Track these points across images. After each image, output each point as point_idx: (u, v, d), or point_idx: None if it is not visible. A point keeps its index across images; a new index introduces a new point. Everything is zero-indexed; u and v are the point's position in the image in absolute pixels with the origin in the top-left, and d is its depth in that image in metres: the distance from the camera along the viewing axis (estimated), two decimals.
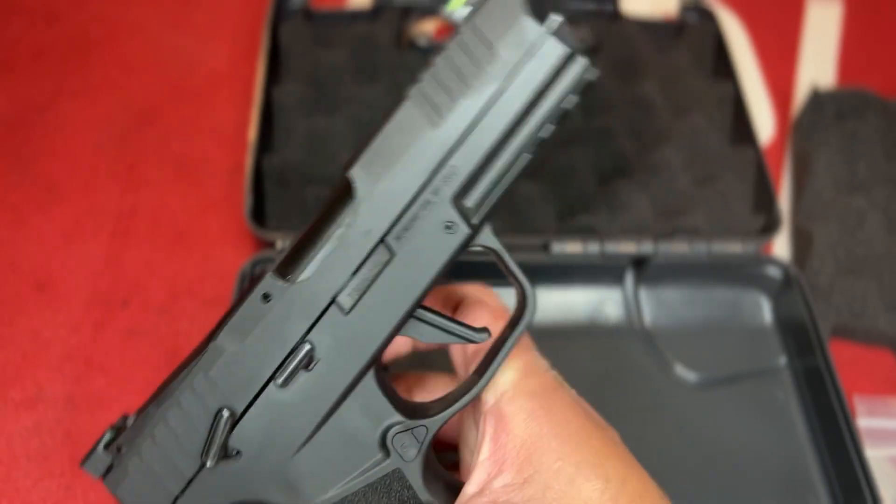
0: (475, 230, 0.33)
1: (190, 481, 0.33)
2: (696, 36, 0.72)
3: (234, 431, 0.33)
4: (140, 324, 0.57)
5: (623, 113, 0.67)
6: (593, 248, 0.59)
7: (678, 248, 0.59)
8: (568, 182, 0.63)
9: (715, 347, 0.58)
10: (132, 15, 0.75)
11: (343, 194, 0.33)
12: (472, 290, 0.39)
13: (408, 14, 0.70)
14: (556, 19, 0.32)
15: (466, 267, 0.39)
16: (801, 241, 0.63)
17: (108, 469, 0.34)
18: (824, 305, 0.59)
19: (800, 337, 0.57)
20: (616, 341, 0.58)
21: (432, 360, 0.44)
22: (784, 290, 0.59)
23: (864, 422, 0.55)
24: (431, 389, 0.40)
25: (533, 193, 0.62)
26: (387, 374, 0.43)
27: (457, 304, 0.39)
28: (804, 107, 0.71)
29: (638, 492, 0.32)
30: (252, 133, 0.62)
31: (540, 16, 0.31)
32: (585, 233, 0.60)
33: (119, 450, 0.34)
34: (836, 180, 0.66)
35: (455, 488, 0.35)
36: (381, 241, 0.33)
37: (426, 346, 0.39)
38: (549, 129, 0.33)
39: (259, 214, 0.59)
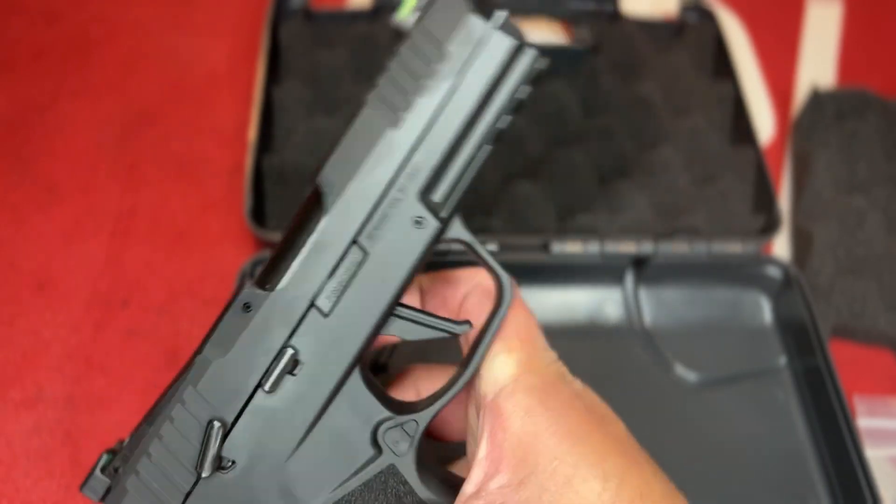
0: (444, 223, 0.34)
1: (188, 494, 0.34)
2: (696, 36, 0.72)
3: (227, 441, 0.33)
4: (140, 324, 0.57)
5: (623, 113, 0.67)
6: (593, 248, 0.59)
7: (678, 248, 0.59)
8: (568, 182, 0.63)
9: (715, 347, 0.58)
10: (132, 15, 0.75)
11: (314, 201, 0.34)
12: (485, 279, 0.38)
13: None
14: (500, 14, 0.33)
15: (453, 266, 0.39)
16: (801, 241, 0.63)
17: (107, 491, 0.34)
18: (824, 305, 0.59)
19: (800, 337, 0.57)
20: (616, 341, 0.58)
21: (434, 354, 0.43)
22: (784, 290, 0.59)
23: (864, 422, 0.55)
24: (439, 382, 0.39)
25: (533, 193, 0.62)
26: (387, 374, 0.43)
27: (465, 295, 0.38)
28: (804, 107, 0.71)
29: (638, 490, 0.31)
30: (252, 133, 0.62)
31: (485, 14, 0.32)
32: (585, 233, 0.60)
33: (116, 471, 0.34)
34: (836, 180, 0.66)
35: (455, 484, 0.34)
36: (354, 242, 0.34)
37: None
38: (506, 120, 0.34)
39: (259, 214, 0.59)
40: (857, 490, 0.49)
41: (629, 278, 0.60)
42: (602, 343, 0.58)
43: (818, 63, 0.77)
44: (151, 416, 0.35)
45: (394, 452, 0.34)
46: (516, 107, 0.34)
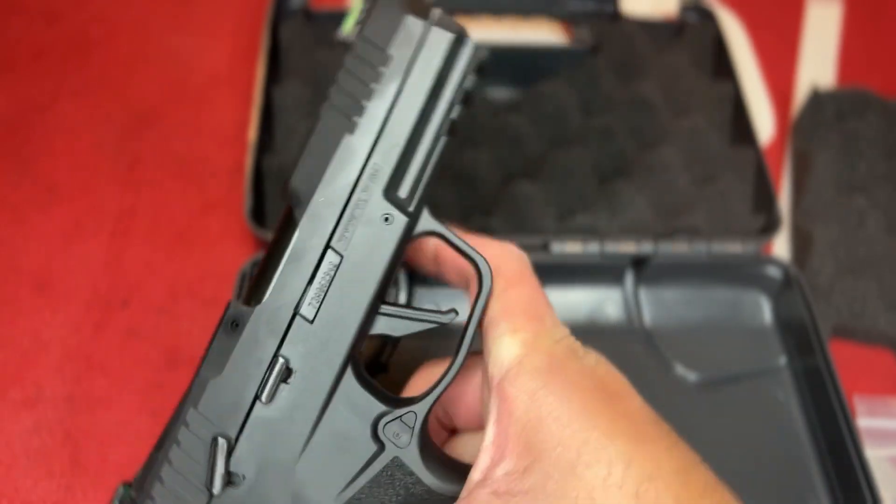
0: (413, 217, 0.35)
1: None
2: (696, 36, 0.72)
3: (234, 456, 0.34)
4: (140, 324, 0.57)
5: (623, 113, 0.67)
6: (593, 247, 0.59)
7: (678, 248, 0.59)
8: (568, 182, 0.63)
9: (715, 347, 0.58)
10: (132, 15, 0.75)
11: (288, 213, 0.35)
12: (491, 249, 0.36)
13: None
14: (436, 12, 0.34)
15: None
16: (801, 241, 0.63)
17: None
18: (824, 305, 0.59)
19: (800, 337, 0.57)
20: (616, 341, 0.58)
21: (436, 349, 0.43)
22: (784, 290, 0.59)
23: (864, 422, 0.55)
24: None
25: (533, 193, 0.62)
26: (388, 373, 0.43)
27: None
28: (804, 107, 0.71)
29: (646, 471, 0.30)
30: (252, 133, 0.62)
31: (422, 13, 0.34)
32: (585, 233, 0.60)
33: (133, 501, 0.35)
34: (836, 180, 0.66)
35: (463, 470, 0.34)
36: (328, 247, 0.34)
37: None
38: (458, 111, 0.35)
39: (259, 214, 0.59)
40: (856, 490, 0.49)
41: (629, 278, 0.60)
42: (602, 343, 0.57)
43: (818, 63, 0.77)
44: (160, 443, 0.35)
45: (396, 445, 0.34)
46: (466, 97, 0.35)
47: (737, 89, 0.68)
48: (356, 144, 0.34)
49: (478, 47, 0.35)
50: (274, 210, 0.60)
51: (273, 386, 0.34)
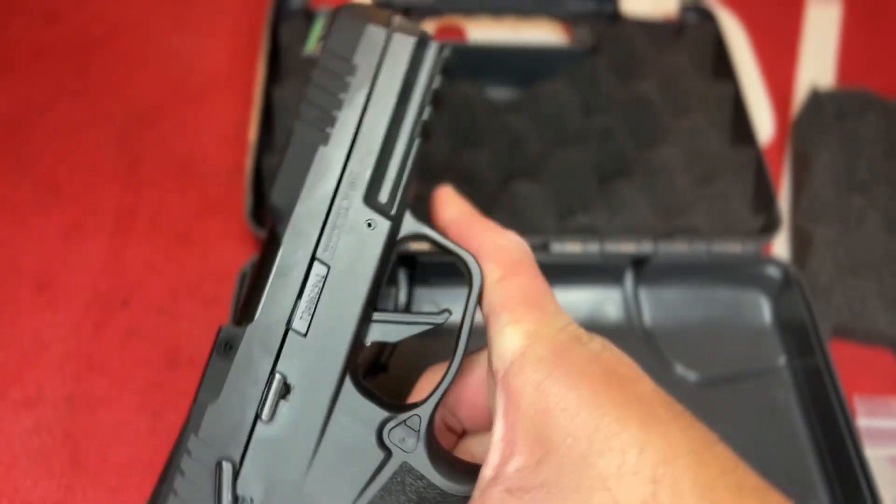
0: (396, 220, 0.35)
1: None
2: (695, 36, 0.72)
3: (240, 480, 0.34)
4: (140, 324, 0.57)
5: (623, 113, 0.67)
6: (593, 247, 0.59)
7: (678, 248, 0.59)
8: (568, 182, 0.63)
9: (715, 347, 0.58)
10: (132, 15, 0.75)
11: (272, 230, 0.35)
12: (490, 238, 0.36)
13: (408, 14, 0.70)
14: (396, 18, 0.35)
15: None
16: (801, 241, 0.63)
17: None
18: (824, 305, 0.59)
19: (800, 337, 0.57)
20: (616, 341, 0.57)
21: (435, 350, 0.43)
22: (784, 290, 0.59)
23: (864, 422, 0.55)
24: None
25: (533, 193, 0.62)
26: (387, 374, 0.43)
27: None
28: (804, 107, 0.71)
29: (661, 455, 0.28)
30: (252, 133, 0.62)
31: (383, 22, 0.35)
32: (585, 233, 0.60)
33: None
34: (836, 180, 0.66)
35: (474, 471, 0.34)
36: (313, 258, 0.34)
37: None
38: (429, 112, 0.36)
39: (259, 214, 0.59)
40: (856, 490, 0.49)
41: (629, 278, 0.60)
42: None
43: (818, 63, 0.78)
44: (164, 475, 0.35)
45: (403, 450, 0.34)
46: (435, 98, 0.36)
47: (736, 89, 0.68)
48: (331, 155, 0.35)
49: (442, 47, 0.36)
50: None
51: (272, 404, 0.34)
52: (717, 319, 0.60)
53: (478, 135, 0.65)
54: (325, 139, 0.35)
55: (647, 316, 0.60)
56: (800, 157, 0.69)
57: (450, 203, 0.39)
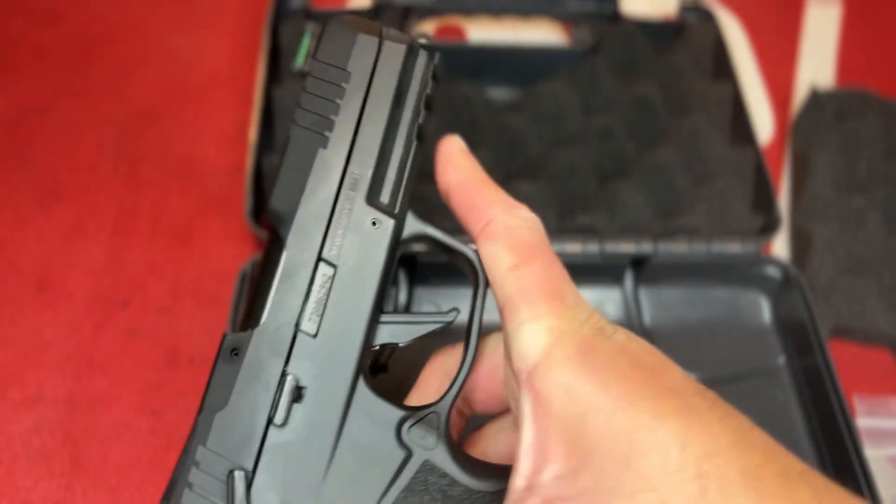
0: (399, 219, 0.35)
1: None
2: (695, 36, 0.72)
3: (253, 489, 0.32)
4: (140, 324, 0.57)
5: (623, 113, 0.67)
6: (593, 247, 0.59)
7: (678, 248, 0.59)
8: (568, 182, 0.63)
9: (714, 347, 0.59)
10: (132, 15, 0.75)
11: (273, 234, 0.35)
12: (499, 216, 0.34)
13: (408, 14, 0.70)
14: (385, 29, 0.37)
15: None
16: (801, 241, 0.63)
17: None
18: (824, 305, 0.59)
19: (799, 337, 0.57)
20: None
21: (434, 348, 0.43)
22: (783, 290, 0.59)
23: (864, 422, 0.55)
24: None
25: (533, 193, 0.62)
26: (386, 372, 0.43)
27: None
28: (803, 107, 0.71)
29: (704, 448, 0.27)
30: (252, 133, 0.62)
31: (373, 32, 0.36)
32: (585, 233, 0.60)
33: None
34: (835, 180, 0.66)
35: (494, 470, 0.34)
36: (319, 259, 0.34)
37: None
38: (424, 116, 0.36)
39: (259, 214, 0.59)
40: (856, 490, 0.49)
41: (629, 278, 0.60)
42: None
43: (817, 63, 0.78)
44: (168, 492, 0.33)
45: (424, 448, 0.33)
46: (428, 102, 0.36)
47: (736, 90, 0.68)
48: (331, 157, 0.35)
49: (431, 55, 0.37)
50: None
51: (286, 407, 0.33)
52: (717, 319, 0.60)
53: (478, 135, 0.65)
54: (324, 142, 0.35)
55: (647, 316, 0.60)
56: (799, 157, 0.69)
57: (455, 164, 0.37)
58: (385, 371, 0.43)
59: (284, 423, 0.33)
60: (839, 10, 0.82)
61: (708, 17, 0.73)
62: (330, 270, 0.34)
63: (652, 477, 0.26)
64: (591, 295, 0.60)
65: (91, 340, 0.56)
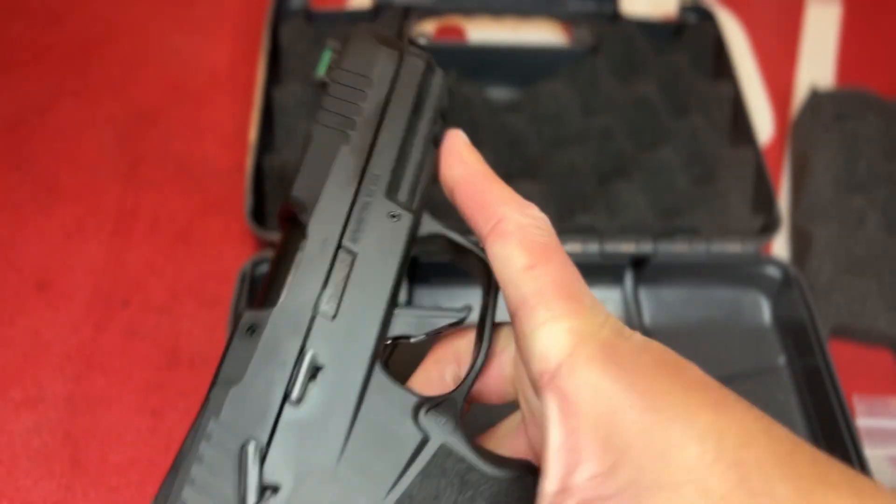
0: (416, 216, 0.36)
1: None
2: (695, 36, 0.72)
3: (266, 465, 0.32)
4: (140, 324, 0.57)
5: (623, 113, 0.67)
6: (593, 247, 0.59)
7: (678, 248, 0.59)
8: (568, 182, 0.63)
9: (714, 347, 0.59)
10: (132, 15, 0.75)
11: (290, 222, 0.36)
12: (510, 214, 0.33)
13: (408, 14, 0.71)
14: (406, 43, 0.39)
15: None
16: (801, 241, 0.63)
17: None
18: (824, 305, 0.59)
19: (799, 337, 0.57)
20: None
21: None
22: (783, 290, 0.59)
23: (864, 422, 0.55)
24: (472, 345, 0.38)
25: (533, 193, 0.62)
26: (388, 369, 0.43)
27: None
28: (803, 107, 0.71)
29: (738, 439, 0.27)
30: (252, 133, 0.62)
31: (395, 47, 0.38)
32: (585, 233, 0.60)
33: None
34: (835, 180, 0.66)
35: (510, 461, 0.33)
36: (339, 245, 0.35)
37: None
38: (440, 125, 0.38)
39: (259, 214, 0.59)
40: None
41: (629, 278, 0.60)
42: None
43: (817, 63, 0.78)
44: (175, 466, 0.32)
45: (442, 432, 0.33)
46: (443, 113, 0.39)
47: (736, 89, 0.68)
48: (353, 153, 0.36)
49: (446, 74, 0.39)
50: (274, 210, 0.60)
51: (303, 383, 0.32)
52: (717, 319, 0.60)
53: (478, 135, 0.65)
54: (346, 139, 0.36)
55: (647, 316, 0.60)
56: (799, 157, 0.69)
57: (461, 158, 0.36)
58: (387, 368, 0.43)
59: (300, 401, 0.32)
60: (839, 10, 0.82)
61: (708, 17, 0.73)
62: (349, 257, 0.35)
63: (692, 468, 0.26)
64: None
65: (91, 340, 0.56)
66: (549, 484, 0.28)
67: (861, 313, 0.59)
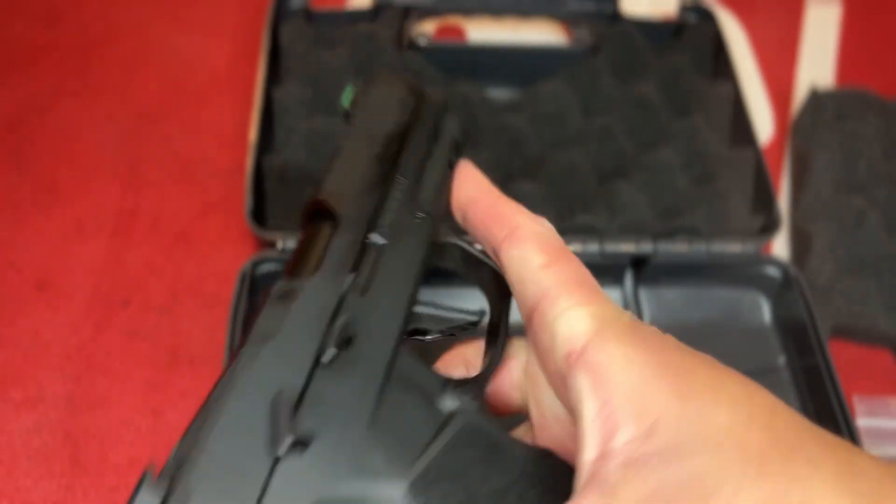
0: (436, 221, 0.38)
1: (265, 487, 0.30)
2: (695, 36, 0.72)
3: (297, 419, 0.31)
4: (140, 324, 0.57)
5: (623, 113, 0.67)
6: (593, 247, 0.59)
7: (678, 247, 0.59)
8: (568, 182, 0.63)
9: (714, 347, 0.57)
10: (132, 15, 0.75)
11: (323, 212, 0.37)
12: (525, 222, 0.35)
13: (408, 14, 0.71)
14: (427, 90, 0.42)
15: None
16: (801, 241, 0.63)
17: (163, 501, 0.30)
18: (824, 305, 0.59)
19: (799, 337, 0.57)
20: None
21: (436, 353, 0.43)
22: (783, 290, 0.59)
23: (864, 422, 0.55)
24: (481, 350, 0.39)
25: (533, 193, 0.62)
26: None
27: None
28: (803, 107, 0.71)
29: (767, 407, 0.28)
30: (252, 133, 0.62)
31: (415, 88, 0.42)
32: (585, 232, 0.60)
33: (171, 482, 0.30)
34: (835, 180, 0.66)
35: (530, 445, 0.34)
36: (368, 236, 0.36)
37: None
38: (455, 154, 0.41)
39: (259, 214, 0.59)
40: None
41: (629, 278, 0.60)
42: None
43: (817, 63, 0.78)
44: (201, 416, 0.31)
45: (467, 409, 0.34)
46: (457, 146, 0.42)
47: (736, 90, 0.68)
48: (382, 159, 0.39)
49: (458, 118, 0.43)
50: (274, 210, 0.60)
51: (335, 347, 0.33)
52: (717, 319, 0.60)
53: (478, 135, 0.65)
54: (374, 150, 0.39)
55: (647, 316, 0.60)
56: (799, 157, 0.69)
57: (474, 178, 0.39)
58: None
59: (331, 365, 0.33)
60: (839, 10, 0.82)
61: (708, 17, 0.73)
62: (377, 246, 0.36)
63: (729, 428, 0.27)
64: None
65: (91, 340, 0.56)
66: (588, 452, 0.29)
67: (861, 313, 0.59)
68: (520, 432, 0.37)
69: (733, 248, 0.60)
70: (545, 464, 0.34)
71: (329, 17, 0.71)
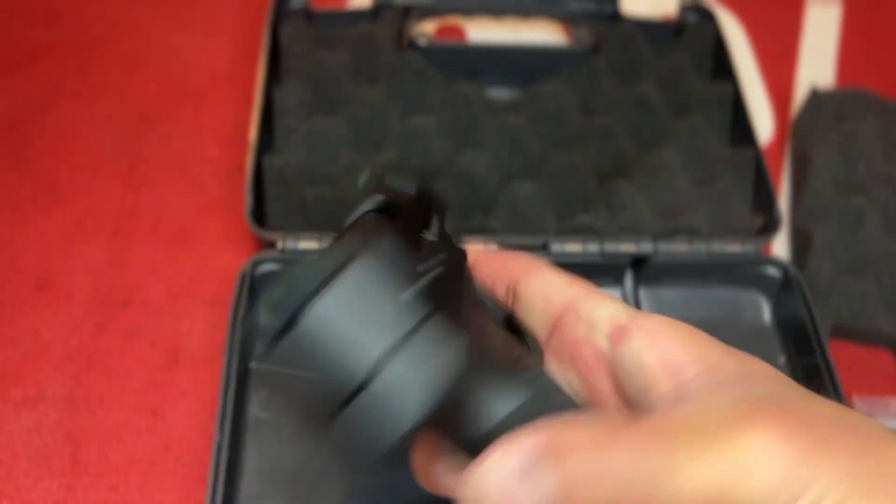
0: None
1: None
2: (695, 36, 0.72)
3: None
4: (140, 324, 0.57)
5: (623, 113, 0.67)
6: (593, 247, 0.59)
7: (678, 247, 0.59)
8: (568, 182, 0.63)
9: None
10: (132, 15, 0.75)
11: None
12: (537, 261, 0.38)
13: (408, 14, 0.71)
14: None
15: None
16: (801, 242, 0.63)
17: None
18: (824, 305, 0.59)
19: (799, 337, 0.57)
20: None
21: None
22: (783, 290, 0.59)
23: None
24: None
25: (532, 193, 0.62)
26: None
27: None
28: (803, 107, 0.71)
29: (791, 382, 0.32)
30: (252, 133, 0.62)
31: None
32: (585, 233, 0.60)
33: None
34: (835, 180, 0.66)
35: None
36: None
37: None
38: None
39: (259, 214, 0.59)
40: None
41: (629, 278, 0.60)
42: None
43: (817, 63, 0.78)
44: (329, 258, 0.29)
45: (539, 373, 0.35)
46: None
47: (736, 90, 0.68)
48: None
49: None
50: (274, 210, 0.60)
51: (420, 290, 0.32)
52: (717, 319, 0.60)
53: (478, 135, 0.65)
54: None
55: None
56: (800, 158, 0.69)
57: (472, 249, 0.39)
58: None
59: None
60: (839, 10, 0.82)
61: (708, 17, 0.73)
62: None
63: (766, 379, 0.31)
64: None
65: (91, 340, 0.56)
66: (662, 386, 0.30)
67: (861, 313, 0.59)
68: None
69: (733, 248, 0.60)
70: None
71: (329, 17, 0.71)
